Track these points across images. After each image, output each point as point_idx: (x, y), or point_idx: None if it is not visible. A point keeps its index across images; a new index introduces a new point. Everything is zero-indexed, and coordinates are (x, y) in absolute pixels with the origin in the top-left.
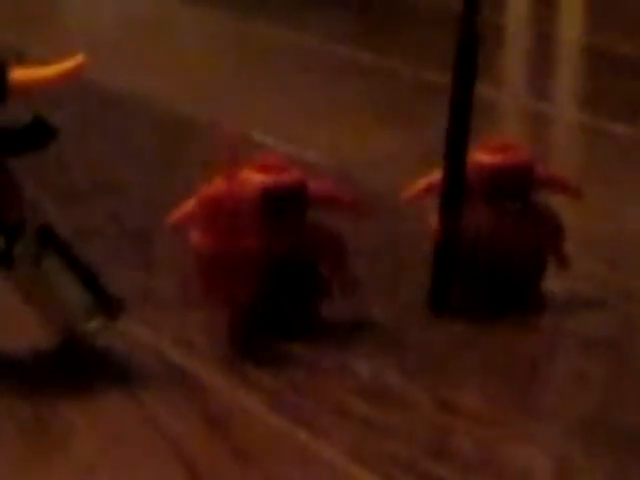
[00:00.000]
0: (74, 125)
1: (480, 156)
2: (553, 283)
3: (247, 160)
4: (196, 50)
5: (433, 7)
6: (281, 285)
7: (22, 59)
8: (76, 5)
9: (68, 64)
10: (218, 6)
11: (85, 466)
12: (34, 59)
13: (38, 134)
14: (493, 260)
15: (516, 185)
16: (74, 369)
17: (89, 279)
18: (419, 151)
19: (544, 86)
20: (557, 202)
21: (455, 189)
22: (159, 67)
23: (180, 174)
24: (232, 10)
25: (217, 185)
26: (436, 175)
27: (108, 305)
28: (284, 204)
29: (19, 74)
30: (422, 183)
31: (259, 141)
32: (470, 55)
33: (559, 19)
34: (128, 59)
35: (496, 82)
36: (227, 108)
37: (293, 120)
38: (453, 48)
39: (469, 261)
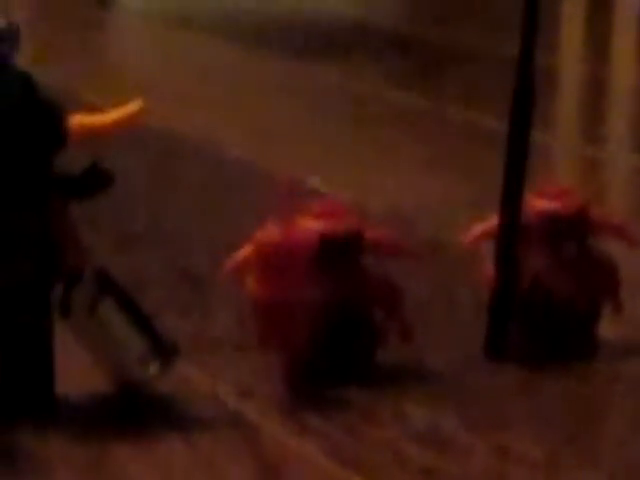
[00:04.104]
0: (131, 170)
1: (536, 202)
2: (608, 328)
3: (302, 207)
4: (251, 94)
5: (476, 48)
6: (336, 331)
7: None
8: (127, 48)
9: (125, 111)
10: (273, 52)
11: None
12: (88, 104)
13: (95, 180)
14: (549, 306)
15: (572, 231)
16: (130, 414)
17: (145, 325)
18: (472, 196)
19: (597, 130)
20: (613, 247)
21: (511, 235)
22: (214, 111)
23: (236, 220)
24: (285, 55)
25: (273, 232)
26: (491, 221)
27: (163, 350)
28: (340, 251)
29: (77, 121)
30: (478, 229)
31: (314, 187)
32: (526, 103)
33: (611, 64)
34: (184, 104)
35: (549, 127)
36: (282, 154)
37: (347, 166)
38: (499, 89)
39: (525, 307)
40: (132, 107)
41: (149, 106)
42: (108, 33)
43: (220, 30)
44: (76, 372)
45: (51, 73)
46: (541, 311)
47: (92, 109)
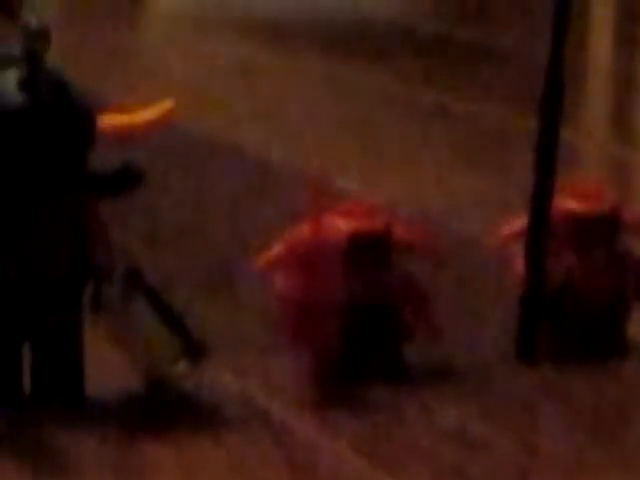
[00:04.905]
0: (161, 169)
1: (566, 202)
2: (637, 328)
3: (332, 206)
4: (280, 94)
5: (508, 48)
6: (365, 330)
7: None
8: (158, 48)
9: (155, 110)
10: (302, 50)
11: None
12: (119, 104)
13: (127, 179)
14: (579, 305)
15: (602, 231)
16: (160, 412)
17: (175, 323)
18: (502, 196)
19: (627, 131)
20: None
21: (541, 235)
22: (245, 111)
23: (265, 219)
24: (319, 55)
25: (303, 231)
26: (522, 220)
27: (193, 349)
28: (369, 250)
29: (108, 120)
30: (508, 228)
31: (343, 187)
32: (556, 102)
33: None
34: (215, 104)
35: (579, 127)
36: (312, 154)
37: (377, 166)
38: (525, 88)
39: (555, 306)
40: (162, 107)
41: (179, 106)
42: (139, 32)
43: (250, 31)
44: (106, 369)
45: (82, 72)
46: (571, 310)
47: (123, 109)
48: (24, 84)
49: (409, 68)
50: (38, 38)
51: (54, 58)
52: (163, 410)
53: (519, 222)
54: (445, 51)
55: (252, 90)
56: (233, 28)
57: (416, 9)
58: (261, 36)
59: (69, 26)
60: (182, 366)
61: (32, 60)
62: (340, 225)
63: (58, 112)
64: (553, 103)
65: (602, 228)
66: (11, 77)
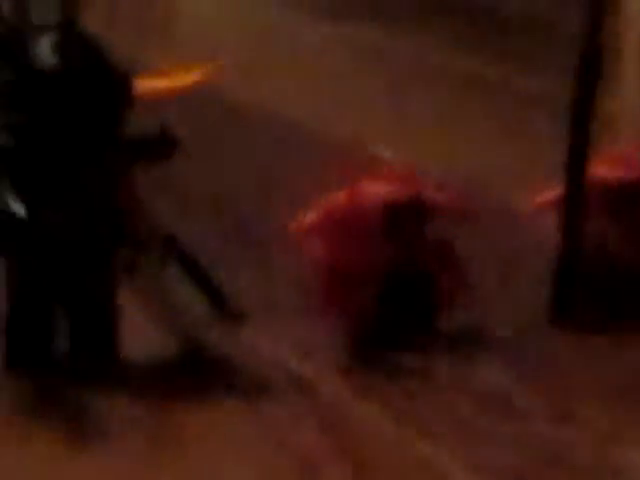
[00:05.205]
0: (197, 137)
1: (600, 169)
2: None
3: (367, 173)
4: (323, 63)
5: (530, 15)
6: (401, 296)
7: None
8: (197, 12)
9: (191, 75)
10: (340, 18)
11: (206, 469)
12: (155, 67)
13: (163, 145)
14: (615, 272)
15: (635, 198)
16: (195, 377)
17: (211, 289)
18: (539, 165)
19: None
20: None
21: (576, 202)
22: (282, 79)
23: (299, 186)
24: (352, 23)
25: (339, 197)
26: (557, 188)
27: (229, 314)
28: (405, 216)
29: (144, 84)
30: (544, 196)
31: (380, 154)
32: (593, 69)
33: None
34: (252, 70)
35: (615, 94)
36: (348, 121)
37: (413, 133)
38: (569, 59)
39: (591, 273)
40: (197, 72)
41: (214, 72)
42: None
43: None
44: (141, 335)
45: (118, 36)
46: (605, 277)
47: (161, 72)
48: (56, 48)
49: (447, 37)
50: (71, 5)
51: (90, 22)
52: (197, 375)
53: (555, 189)
54: (482, 20)
55: (293, 58)
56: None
57: None
58: (309, 8)
59: None
60: (217, 331)
61: (65, 26)
62: (376, 192)
63: (91, 75)
64: (590, 70)
65: (634, 194)
66: (45, 42)
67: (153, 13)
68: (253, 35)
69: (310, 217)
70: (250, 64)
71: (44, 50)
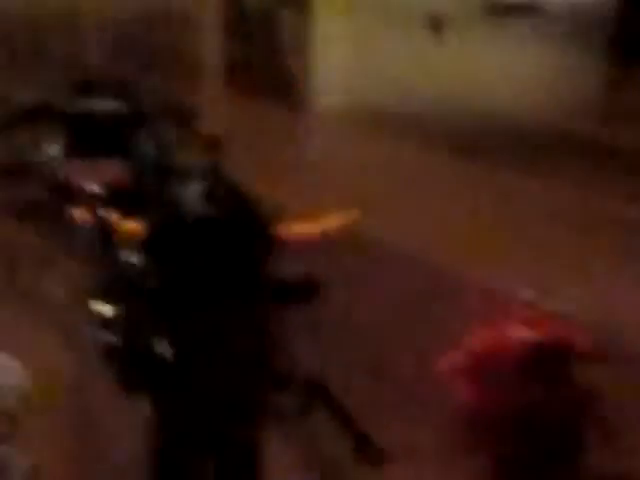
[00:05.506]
0: (339, 277)
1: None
2: None
3: (512, 315)
4: (456, 201)
5: None
6: (542, 439)
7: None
8: (327, 153)
9: (335, 221)
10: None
11: None
12: (298, 213)
13: (308, 289)
14: None
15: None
16: None
17: (355, 432)
18: None
19: None
20: None
21: None
22: (421, 219)
23: (443, 326)
24: (481, 162)
25: (483, 339)
26: None
27: (372, 457)
28: (549, 360)
29: (287, 229)
30: None
31: (521, 296)
32: None
33: None
34: (389, 212)
35: None
36: (489, 264)
37: (551, 273)
38: None
39: None
40: (341, 217)
41: (355, 215)
42: (304, 137)
43: (413, 134)
44: (282, 473)
45: (255, 180)
46: None
47: (303, 217)
48: (204, 194)
49: (578, 175)
50: (213, 150)
51: (228, 167)
52: None
53: None
54: (607, 155)
55: (427, 197)
56: (395, 129)
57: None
58: (425, 137)
59: (237, 135)
60: (361, 473)
61: (211, 171)
62: (521, 334)
63: (239, 222)
64: None
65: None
66: (193, 188)
67: (289, 156)
68: (393, 178)
69: (453, 357)
70: (389, 206)
71: (192, 196)
